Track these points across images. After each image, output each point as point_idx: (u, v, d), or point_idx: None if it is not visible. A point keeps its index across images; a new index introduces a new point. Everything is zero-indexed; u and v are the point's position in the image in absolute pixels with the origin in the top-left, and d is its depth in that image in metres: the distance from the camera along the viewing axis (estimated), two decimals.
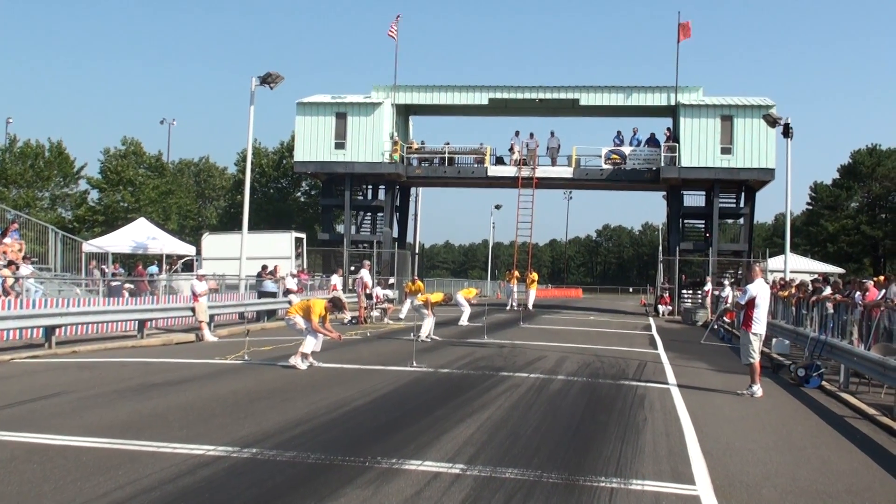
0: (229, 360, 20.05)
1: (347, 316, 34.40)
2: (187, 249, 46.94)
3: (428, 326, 26.81)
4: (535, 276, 51.43)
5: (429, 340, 26.11)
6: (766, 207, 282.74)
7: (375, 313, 35.75)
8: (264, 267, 36.85)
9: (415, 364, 19.36)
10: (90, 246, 40.35)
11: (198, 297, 27.35)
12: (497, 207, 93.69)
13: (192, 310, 27.48)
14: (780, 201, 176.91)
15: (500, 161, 52.74)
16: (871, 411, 15.39)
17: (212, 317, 28.53)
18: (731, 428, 13.23)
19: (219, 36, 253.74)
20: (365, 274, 35.81)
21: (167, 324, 29.61)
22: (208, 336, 26.80)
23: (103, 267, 37.64)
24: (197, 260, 44.79)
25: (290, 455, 10.05)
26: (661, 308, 49.93)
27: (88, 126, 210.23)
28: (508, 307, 46.74)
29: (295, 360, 18.77)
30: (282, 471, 9.39)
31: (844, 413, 15.68)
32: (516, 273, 50.88)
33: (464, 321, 33.19)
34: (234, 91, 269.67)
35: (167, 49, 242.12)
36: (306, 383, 16.31)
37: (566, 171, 51.54)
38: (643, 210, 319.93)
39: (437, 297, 28.35)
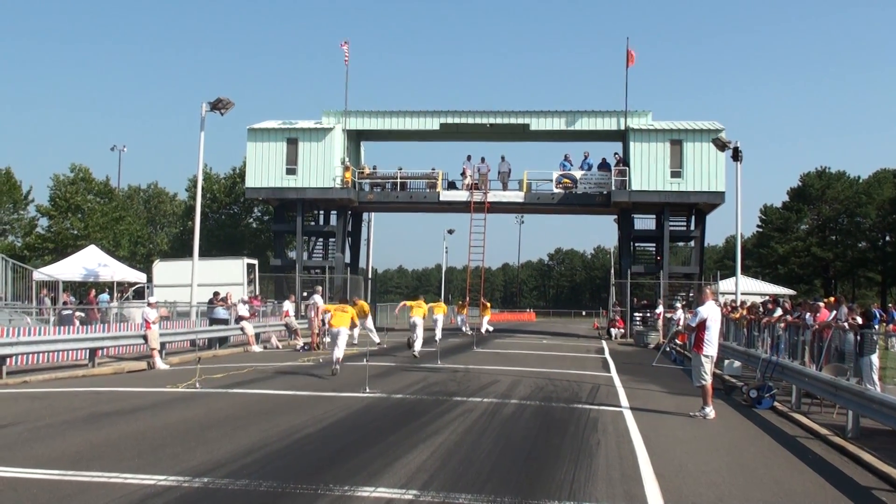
0: (181, 388, 19.86)
1: (300, 342, 34.26)
2: (138, 276, 46.52)
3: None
4: (488, 304, 51.40)
5: (417, 356, 28.50)
6: (717, 230, 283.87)
7: (328, 339, 35.55)
8: (216, 294, 36.52)
9: (368, 390, 19.29)
10: (40, 274, 39.90)
11: (149, 324, 27.11)
12: (450, 232, 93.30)
13: (144, 337, 27.21)
14: (731, 224, 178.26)
15: (452, 186, 52.68)
16: (824, 431, 15.52)
17: (163, 344, 28.25)
18: (683, 450, 13.29)
19: (170, 61, 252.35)
20: (318, 299, 35.62)
21: (118, 352, 29.25)
22: (160, 364, 26.54)
23: (51, 296, 37.19)
24: (148, 287, 44.37)
25: (243, 483, 9.97)
26: (613, 331, 49.91)
27: (36, 152, 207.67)
28: (462, 333, 46.30)
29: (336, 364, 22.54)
30: (234, 499, 9.31)
31: (797, 433, 15.81)
32: (466, 302, 50.46)
33: (438, 335, 35.02)
34: (185, 117, 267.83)
35: (117, 74, 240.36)
36: (258, 410, 16.19)
37: (518, 196, 51.61)
38: (595, 233, 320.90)
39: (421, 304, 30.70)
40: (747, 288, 55.10)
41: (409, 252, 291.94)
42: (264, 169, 50.40)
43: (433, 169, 52.89)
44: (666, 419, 16.52)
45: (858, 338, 18.97)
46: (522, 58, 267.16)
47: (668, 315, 41.76)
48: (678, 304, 41.59)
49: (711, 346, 17.02)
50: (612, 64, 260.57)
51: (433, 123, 52.11)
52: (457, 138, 56.56)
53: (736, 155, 38.33)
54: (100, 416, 15.23)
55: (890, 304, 48.65)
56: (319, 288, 37.90)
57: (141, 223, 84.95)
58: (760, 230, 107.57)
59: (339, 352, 23.44)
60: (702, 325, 17.01)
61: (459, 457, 11.95)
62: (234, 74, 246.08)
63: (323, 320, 35.17)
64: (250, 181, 51.18)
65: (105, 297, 42.95)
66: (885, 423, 13.91)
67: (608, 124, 50.96)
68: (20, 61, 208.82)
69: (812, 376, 17.92)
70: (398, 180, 52.41)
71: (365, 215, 61.05)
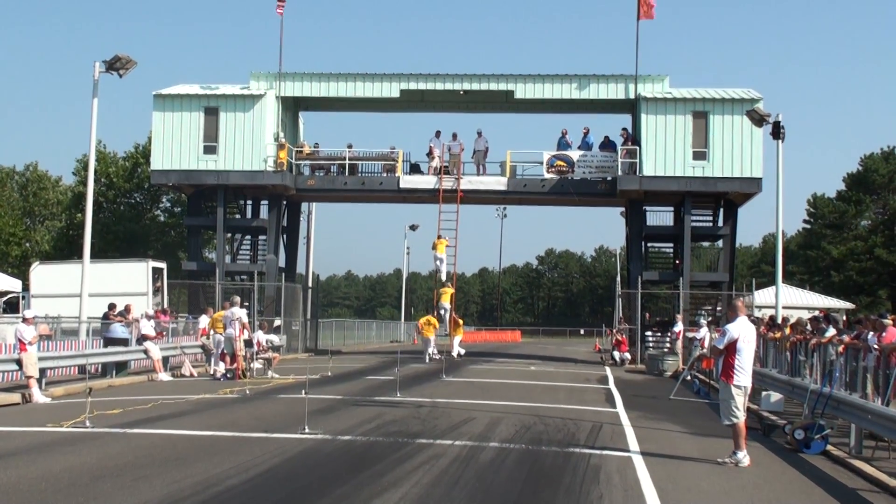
0: (66, 428, 19.70)
1: (221, 368, 34.08)
2: (11, 284, 46.27)
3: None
4: (460, 321, 51.25)
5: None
6: (753, 227, 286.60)
7: (257, 365, 35.36)
8: (112, 306, 36.33)
9: (307, 430, 19.21)
10: None
11: (25, 345, 26.86)
12: (412, 228, 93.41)
13: (18, 362, 26.97)
14: (770, 220, 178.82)
15: (415, 169, 52.53)
16: (893, 483, 15.50)
17: (43, 371, 28.01)
18: None
19: (55, 10, 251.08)
20: (240, 312, 34.75)
21: None
22: (38, 396, 26.31)
23: None
24: (24, 297, 44.11)
25: None
26: (617, 355, 49.59)
27: None
28: (428, 359, 45.47)
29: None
30: None
31: (858, 486, 15.83)
32: (433, 320, 48.55)
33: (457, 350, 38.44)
34: (74, 82, 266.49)
35: None
36: (166, 456, 16.08)
37: (499, 182, 51.41)
38: (596, 231, 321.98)
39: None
40: (791, 300, 55.45)
41: (361, 253, 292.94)
42: (175, 146, 50.05)
43: (392, 148, 52.79)
44: (687, 467, 16.53)
45: None
46: (504, 10, 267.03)
47: (690, 335, 41.86)
48: (702, 321, 41.68)
49: (744, 375, 17.01)
50: (619, 18, 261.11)
51: (392, 90, 51.85)
52: (422, 109, 56.71)
53: (777, 131, 38.34)
54: None
55: None
56: (237, 298, 37.12)
57: (15, 216, 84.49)
58: (808, 227, 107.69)
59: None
60: (732, 348, 17.00)
61: None
62: (139, 29, 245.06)
63: (248, 341, 34.97)
64: (157, 162, 50.85)
65: None
66: None
67: (614, 92, 50.89)
68: None
69: (877, 412, 17.87)
70: (347, 162, 52.20)
71: (304, 206, 61.11)
